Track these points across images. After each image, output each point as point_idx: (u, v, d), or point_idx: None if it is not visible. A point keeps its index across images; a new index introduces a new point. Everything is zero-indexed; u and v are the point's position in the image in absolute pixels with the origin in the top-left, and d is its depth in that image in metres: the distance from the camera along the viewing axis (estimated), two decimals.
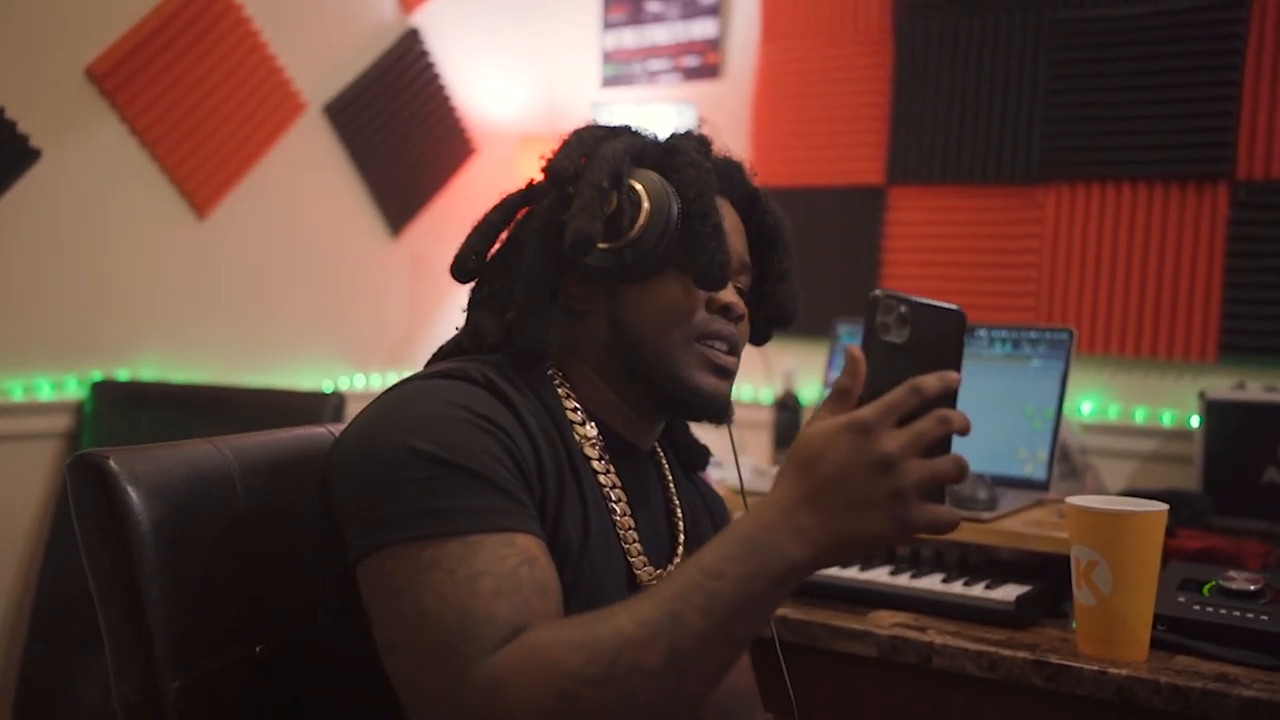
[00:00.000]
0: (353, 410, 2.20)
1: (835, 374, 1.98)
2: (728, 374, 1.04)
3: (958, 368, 0.83)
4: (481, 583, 0.81)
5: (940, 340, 0.84)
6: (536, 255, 1.00)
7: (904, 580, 1.47)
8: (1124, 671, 1.20)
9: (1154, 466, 2.24)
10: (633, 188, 0.99)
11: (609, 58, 3.06)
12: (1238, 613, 1.27)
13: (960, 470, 0.80)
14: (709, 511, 1.18)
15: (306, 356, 2.50)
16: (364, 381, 2.65)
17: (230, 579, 1.04)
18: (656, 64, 2.97)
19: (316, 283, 2.52)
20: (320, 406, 1.92)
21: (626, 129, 1.06)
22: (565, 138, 1.03)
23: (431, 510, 0.84)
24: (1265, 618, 1.26)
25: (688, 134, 1.08)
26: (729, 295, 1.02)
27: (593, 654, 0.76)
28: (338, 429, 1.21)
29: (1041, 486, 1.70)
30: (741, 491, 1.18)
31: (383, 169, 2.64)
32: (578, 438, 1.00)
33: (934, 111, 2.51)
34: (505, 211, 1.05)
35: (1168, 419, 2.25)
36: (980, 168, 2.45)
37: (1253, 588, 1.31)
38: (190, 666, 0.98)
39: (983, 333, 1.85)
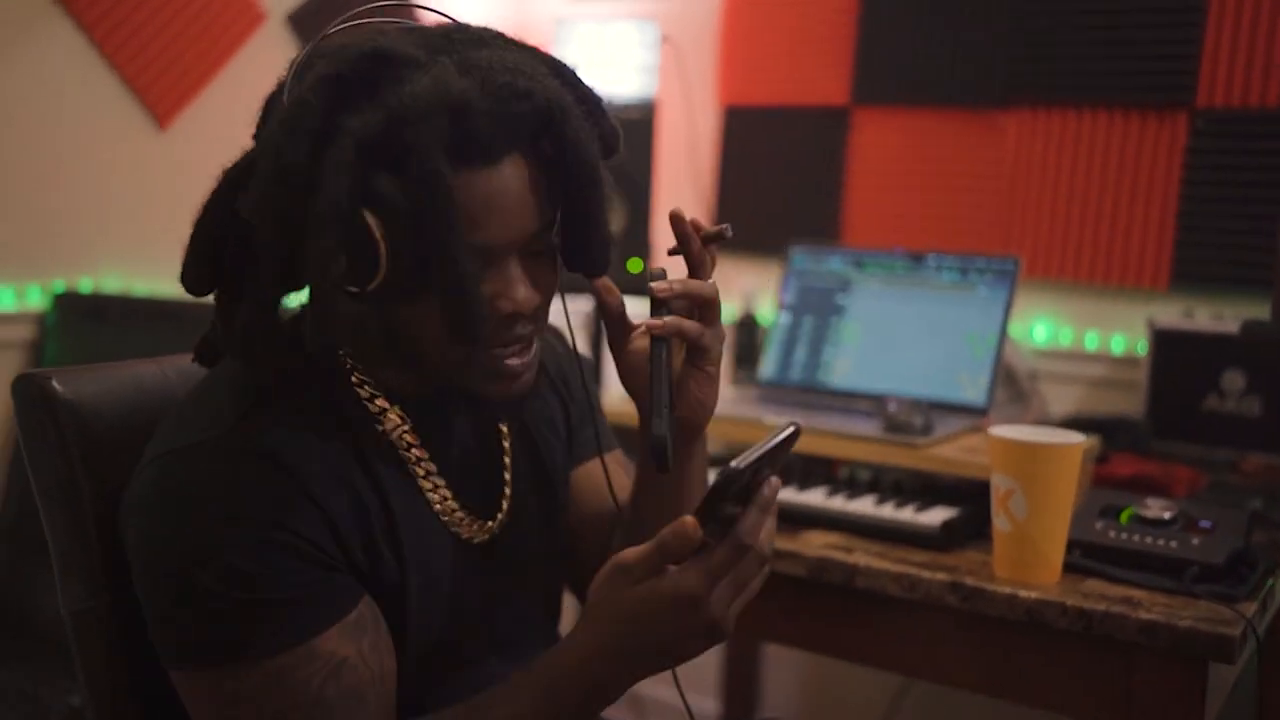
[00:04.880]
0: None
1: (788, 297, 2.01)
2: (522, 370, 0.96)
3: (776, 467, 0.87)
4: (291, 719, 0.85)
5: (774, 464, 0.87)
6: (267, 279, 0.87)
7: (838, 502, 1.53)
8: (1034, 594, 1.26)
9: (1102, 392, 2.29)
10: (365, 225, 0.83)
11: None
12: (1149, 539, 1.33)
13: (762, 576, 0.86)
14: (559, 397, 1.18)
15: None
16: None
17: None
18: None
19: None
20: None
21: (350, 71, 0.84)
22: (266, 150, 0.84)
23: (226, 640, 0.86)
24: (1174, 544, 1.31)
25: (440, 76, 0.84)
26: (511, 304, 0.91)
27: None
28: None
29: (981, 412, 1.74)
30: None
31: None
32: (381, 428, 0.97)
33: (901, 31, 2.51)
34: (221, 207, 0.90)
35: (1118, 345, 2.29)
36: (945, 90, 2.45)
37: (1167, 515, 1.37)
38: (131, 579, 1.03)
39: (931, 260, 1.88)
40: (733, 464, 0.79)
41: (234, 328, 0.89)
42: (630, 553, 0.84)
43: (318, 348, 0.89)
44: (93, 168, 2.18)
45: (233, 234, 0.88)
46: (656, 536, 0.82)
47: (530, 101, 0.86)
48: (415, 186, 0.81)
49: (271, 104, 0.93)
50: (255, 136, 0.94)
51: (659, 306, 0.98)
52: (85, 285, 2.17)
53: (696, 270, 1.01)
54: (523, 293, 0.91)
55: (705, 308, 0.99)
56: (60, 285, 2.13)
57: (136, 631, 0.97)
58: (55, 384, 1.03)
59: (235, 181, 0.89)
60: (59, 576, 1.04)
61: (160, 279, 2.27)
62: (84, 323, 2.09)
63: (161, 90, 2.24)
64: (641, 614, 0.82)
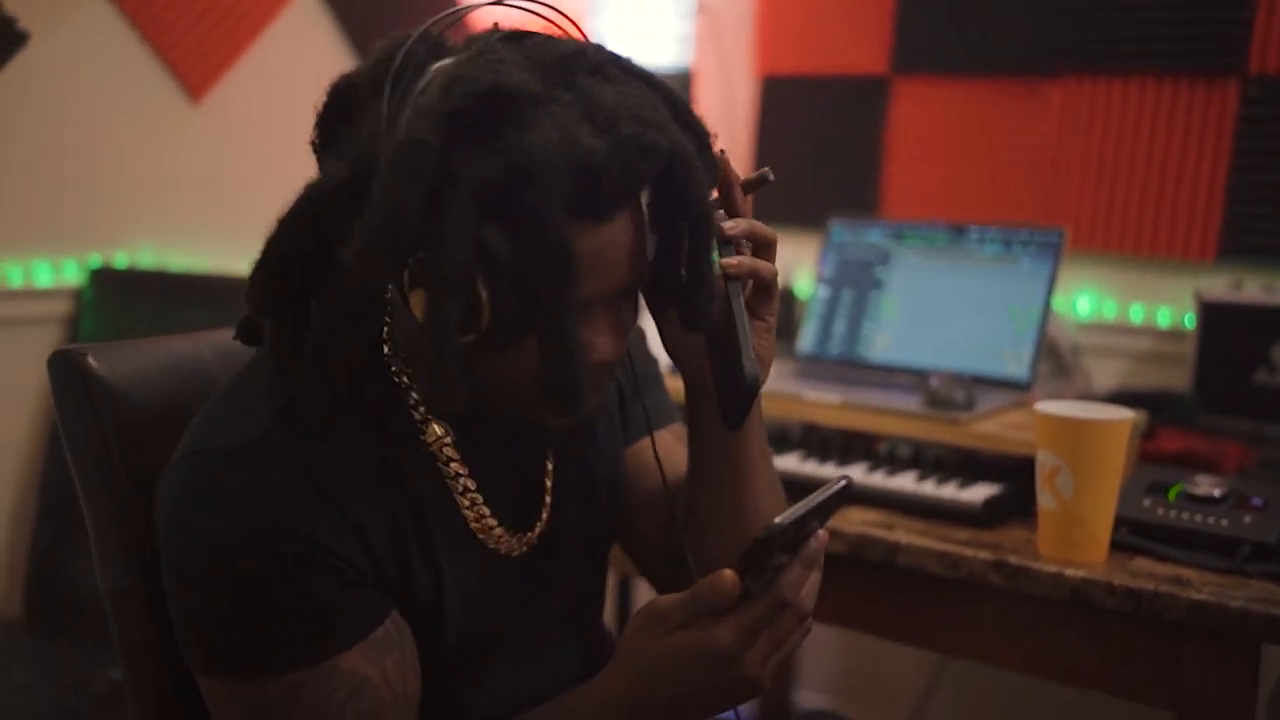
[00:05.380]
0: None
1: (826, 270, 1.98)
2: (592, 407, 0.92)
3: (825, 520, 0.85)
4: None
5: (823, 516, 0.83)
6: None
7: (878, 478, 1.50)
8: (1080, 573, 1.23)
9: (1148, 365, 2.25)
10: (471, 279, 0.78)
11: None
12: (1199, 517, 1.30)
13: (803, 631, 0.83)
14: (620, 400, 1.11)
15: None
16: None
17: None
18: None
19: (313, 169, 2.51)
20: None
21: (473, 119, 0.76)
22: (375, 197, 0.75)
23: (245, 652, 0.83)
24: (1225, 522, 1.28)
25: (566, 128, 0.76)
26: (599, 354, 0.86)
27: None
28: None
29: (1024, 387, 1.71)
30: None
31: None
32: (422, 437, 0.92)
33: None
34: (301, 226, 0.86)
35: (1164, 318, 2.24)
36: (987, 58, 2.40)
37: (1217, 493, 1.33)
38: None
39: (973, 232, 1.85)
40: (776, 520, 0.75)
41: (309, 347, 0.83)
42: (665, 600, 0.82)
43: (442, 408, 0.85)
44: (126, 142, 2.18)
45: (310, 254, 0.83)
46: (693, 586, 0.79)
47: (655, 157, 0.79)
48: (531, 249, 0.76)
49: (345, 95, 0.87)
50: (319, 124, 0.90)
51: (726, 246, 0.92)
52: (121, 260, 2.17)
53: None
54: (610, 343, 0.87)
55: (765, 249, 0.95)
56: (96, 260, 2.14)
57: None
58: (91, 360, 1.03)
59: (319, 201, 0.83)
60: (96, 554, 1.03)
61: (195, 253, 2.27)
62: (120, 297, 2.10)
63: (194, 64, 2.23)
64: (670, 666, 0.81)
